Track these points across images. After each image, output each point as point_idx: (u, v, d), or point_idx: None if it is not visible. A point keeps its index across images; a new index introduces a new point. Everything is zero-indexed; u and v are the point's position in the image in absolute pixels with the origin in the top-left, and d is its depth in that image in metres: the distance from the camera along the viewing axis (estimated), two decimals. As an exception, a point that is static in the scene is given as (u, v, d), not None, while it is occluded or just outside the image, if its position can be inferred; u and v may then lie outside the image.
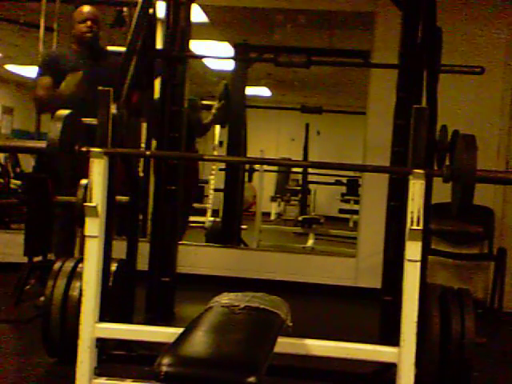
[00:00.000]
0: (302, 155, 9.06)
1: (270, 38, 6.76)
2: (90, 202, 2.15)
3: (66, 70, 3.44)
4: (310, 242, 6.87)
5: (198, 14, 5.39)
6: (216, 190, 7.12)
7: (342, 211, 10.37)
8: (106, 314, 2.28)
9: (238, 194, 5.95)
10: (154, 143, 3.97)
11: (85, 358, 2.15)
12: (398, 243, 2.71)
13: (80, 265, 2.54)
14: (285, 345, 2.12)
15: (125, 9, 4.10)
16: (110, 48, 3.71)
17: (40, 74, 3.54)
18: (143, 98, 3.41)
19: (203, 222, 6.79)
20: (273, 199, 9.95)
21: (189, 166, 4.66)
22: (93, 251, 2.18)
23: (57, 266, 2.64)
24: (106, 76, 3.47)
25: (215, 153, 7.49)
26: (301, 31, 6.30)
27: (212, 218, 6.74)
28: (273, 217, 10.05)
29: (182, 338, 1.71)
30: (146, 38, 2.99)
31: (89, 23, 3.55)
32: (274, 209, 10.15)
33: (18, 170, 8.19)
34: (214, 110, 5.24)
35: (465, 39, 4.49)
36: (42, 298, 2.60)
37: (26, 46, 7.31)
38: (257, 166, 7.28)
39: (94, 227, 2.17)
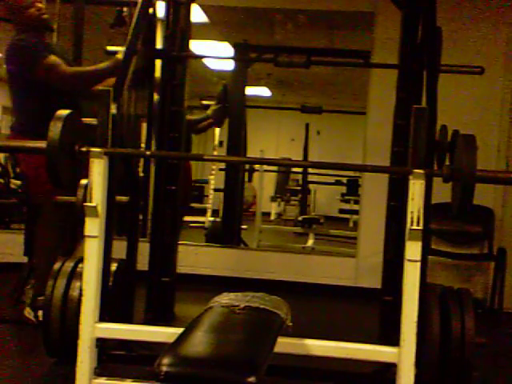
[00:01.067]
0: (302, 155, 9.06)
1: (270, 38, 6.76)
2: (90, 202, 2.15)
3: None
4: (310, 242, 6.87)
5: (197, 14, 5.39)
6: (216, 189, 7.12)
7: (342, 211, 10.38)
8: (106, 314, 2.28)
9: (238, 193, 5.95)
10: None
11: (85, 358, 2.15)
12: (398, 243, 2.71)
13: (80, 265, 2.54)
14: (285, 345, 2.12)
15: (125, 9, 4.09)
16: (109, 48, 3.69)
17: (45, 56, 3.26)
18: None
19: (203, 222, 6.79)
20: (273, 199, 9.94)
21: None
22: (93, 251, 2.18)
23: (57, 266, 2.64)
24: (65, 59, 3.44)
25: (215, 153, 7.50)
26: (301, 31, 6.30)
27: (212, 218, 6.75)
28: (273, 217, 10.06)
29: (181, 338, 1.71)
30: (145, 38, 3.00)
31: (39, 5, 3.35)
32: (274, 209, 10.15)
33: (18, 169, 8.18)
34: (209, 111, 5.22)
35: (465, 39, 4.49)
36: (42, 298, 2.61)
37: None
38: (257, 166, 7.29)
39: (93, 227, 2.17)
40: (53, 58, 3.29)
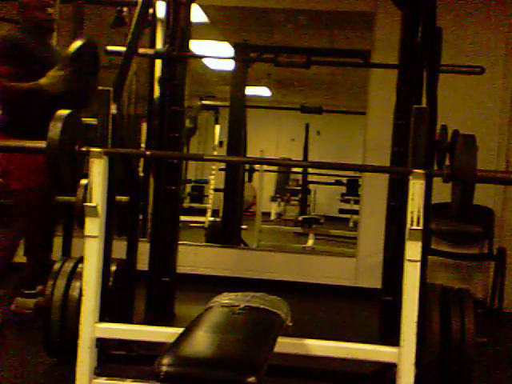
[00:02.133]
0: (302, 155, 9.06)
1: (270, 38, 6.76)
2: (90, 202, 2.15)
3: (26, 59, 3.25)
4: (310, 242, 6.87)
5: (197, 14, 5.39)
6: (216, 189, 7.12)
7: (342, 211, 10.36)
8: (106, 314, 2.28)
9: (238, 193, 5.95)
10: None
11: (85, 358, 2.15)
12: (398, 243, 2.71)
13: (80, 265, 2.54)
14: (285, 345, 2.12)
15: (125, 9, 4.09)
16: (109, 48, 3.67)
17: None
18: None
19: (203, 222, 6.79)
20: (273, 199, 9.94)
21: None
22: (93, 251, 2.18)
23: (57, 266, 2.64)
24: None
25: (215, 153, 7.50)
26: (301, 31, 6.30)
27: (212, 218, 6.75)
28: (273, 217, 10.04)
29: (181, 338, 1.71)
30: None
31: (50, 10, 3.34)
32: (273, 209, 10.14)
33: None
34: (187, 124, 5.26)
35: (465, 39, 4.49)
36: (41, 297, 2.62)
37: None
38: (257, 166, 7.29)
39: (93, 227, 2.17)
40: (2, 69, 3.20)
